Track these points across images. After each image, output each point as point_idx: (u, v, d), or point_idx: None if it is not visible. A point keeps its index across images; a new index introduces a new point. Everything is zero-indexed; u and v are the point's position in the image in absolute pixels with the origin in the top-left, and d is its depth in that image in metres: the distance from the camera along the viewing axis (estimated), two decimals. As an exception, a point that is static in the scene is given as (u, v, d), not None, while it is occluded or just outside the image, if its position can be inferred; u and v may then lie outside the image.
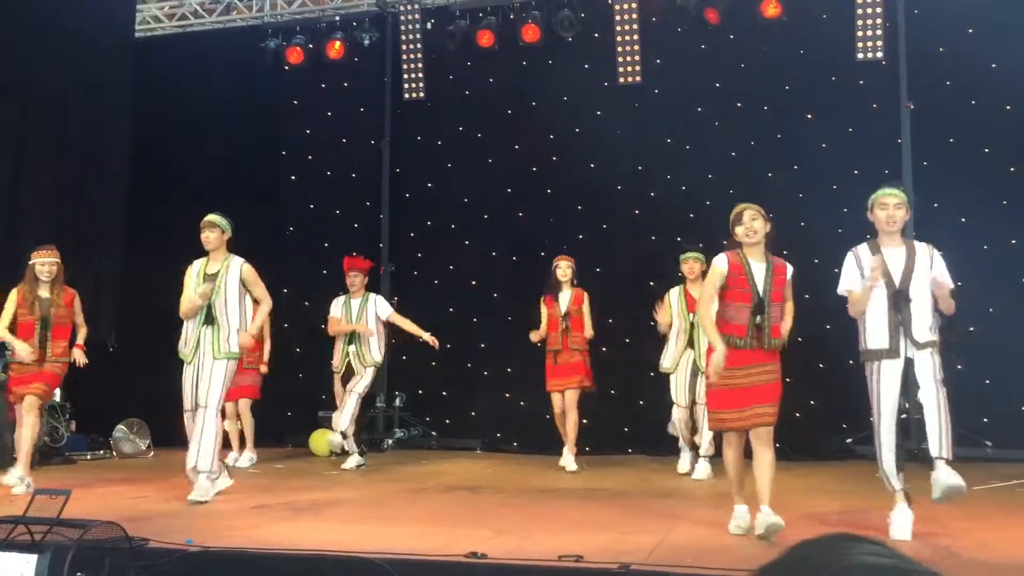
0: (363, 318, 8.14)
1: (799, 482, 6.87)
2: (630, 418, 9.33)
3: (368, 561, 3.96)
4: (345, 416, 7.91)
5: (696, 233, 9.29)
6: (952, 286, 4.83)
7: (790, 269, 5.00)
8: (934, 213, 8.84)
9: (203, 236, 6.16)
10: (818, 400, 8.85)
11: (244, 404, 8.28)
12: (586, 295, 8.04)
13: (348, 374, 8.13)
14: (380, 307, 8.26)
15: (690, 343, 7.53)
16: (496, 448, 9.46)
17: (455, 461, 8.62)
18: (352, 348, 8.14)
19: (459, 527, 4.96)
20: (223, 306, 6.07)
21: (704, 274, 7.01)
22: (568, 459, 7.79)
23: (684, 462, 7.65)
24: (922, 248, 4.88)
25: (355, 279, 8.26)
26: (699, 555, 4.17)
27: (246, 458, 8.18)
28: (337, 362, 8.23)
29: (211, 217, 6.20)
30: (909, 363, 4.76)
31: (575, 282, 8.08)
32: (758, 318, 4.85)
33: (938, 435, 4.61)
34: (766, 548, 4.47)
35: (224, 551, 4.22)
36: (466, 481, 7.17)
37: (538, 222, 9.84)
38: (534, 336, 8.05)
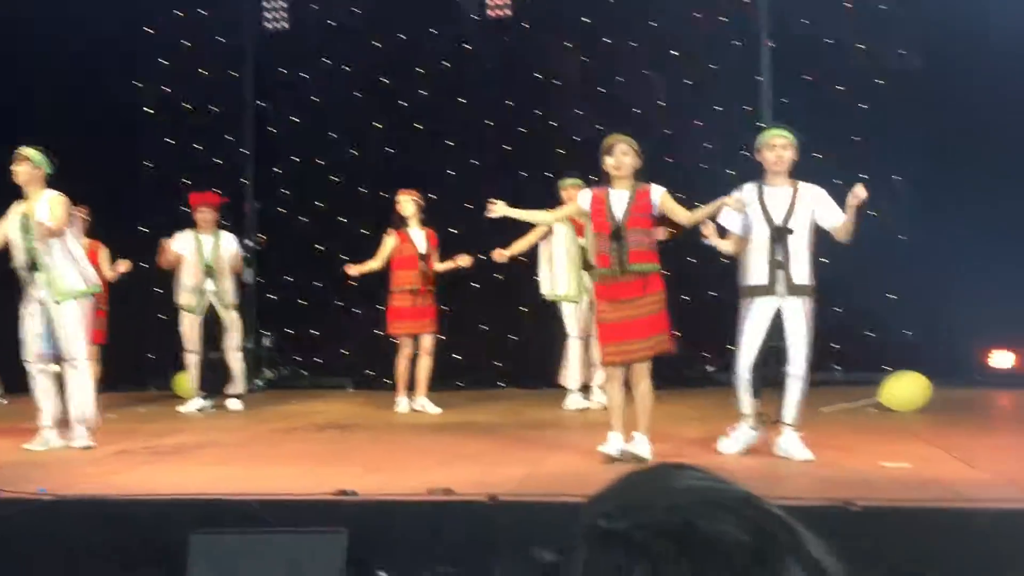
0: (217, 255, 7.87)
1: (664, 409, 7.02)
2: (502, 352, 9.42)
3: (235, 502, 3.89)
4: (240, 380, 7.87)
5: (566, 169, 9.36)
6: (837, 222, 4.99)
7: (657, 191, 5.06)
8: (791, 149, 9.16)
9: (11, 169, 5.71)
10: (682, 331, 9.10)
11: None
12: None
13: (211, 317, 7.87)
14: (233, 245, 8.05)
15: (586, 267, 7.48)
16: (368, 386, 9.39)
17: (326, 400, 8.54)
18: (211, 287, 7.86)
19: (329, 465, 4.93)
20: (43, 246, 5.64)
21: None
22: (427, 403, 7.56)
23: (575, 399, 7.45)
24: (807, 188, 5.03)
25: (208, 216, 7.94)
26: (567, 483, 4.26)
27: None
28: (193, 301, 7.90)
29: (21, 149, 5.74)
30: (779, 308, 4.95)
31: (423, 219, 7.80)
32: (614, 244, 4.94)
33: (793, 405, 4.97)
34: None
35: (79, 499, 4.07)
36: (337, 419, 7.11)
37: (408, 158, 9.67)
38: (353, 270, 7.76)
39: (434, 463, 4.97)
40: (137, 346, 9.37)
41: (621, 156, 4.99)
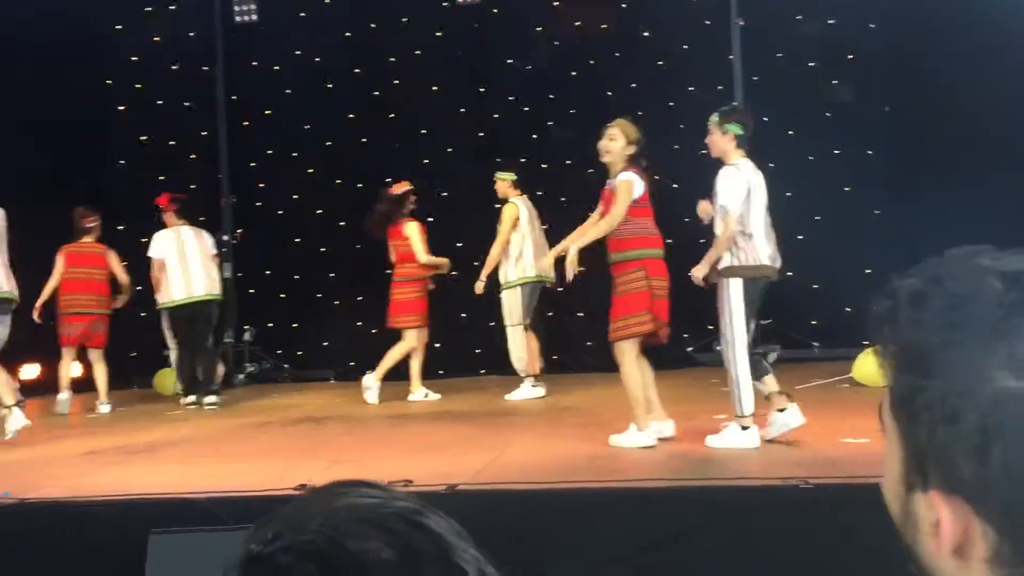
0: None
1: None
2: (480, 340, 9.42)
3: (191, 501, 3.91)
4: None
5: (539, 153, 9.37)
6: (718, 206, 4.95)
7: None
8: (763, 127, 9.11)
9: None
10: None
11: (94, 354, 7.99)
12: (408, 224, 7.65)
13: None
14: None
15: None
16: (350, 377, 9.39)
17: (306, 393, 8.56)
18: None
19: (296, 459, 4.95)
20: None
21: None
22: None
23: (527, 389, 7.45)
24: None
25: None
26: (526, 471, 4.30)
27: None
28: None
29: None
30: None
31: (413, 212, 7.77)
32: None
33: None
34: (588, 460, 4.64)
35: (41, 502, 4.09)
36: (313, 412, 7.13)
37: (382, 147, 9.68)
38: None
39: (400, 454, 4.99)
40: (121, 344, 9.38)
41: (604, 142, 5.12)
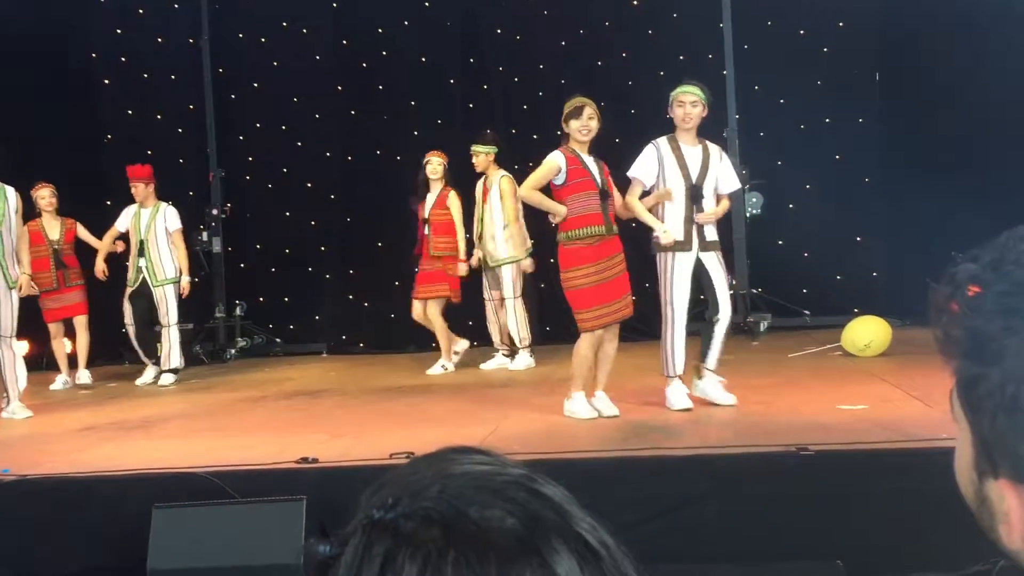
0: (152, 229, 7.69)
1: (631, 362, 7.12)
2: (474, 312, 9.42)
3: (194, 476, 3.91)
4: (174, 354, 7.66)
5: (531, 125, 9.32)
6: (735, 188, 5.27)
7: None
8: (755, 96, 9.14)
9: None
10: (652, 283, 9.14)
11: (78, 321, 7.96)
12: (453, 194, 7.56)
13: (143, 290, 7.70)
14: (169, 219, 7.70)
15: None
16: (342, 351, 9.43)
17: (299, 367, 8.55)
18: (142, 262, 7.68)
19: (294, 433, 4.96)
20: None
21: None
22: (437, 367, 7.53)
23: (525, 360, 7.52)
24: (714, 149, 5.15)
25: (137, 188, 7.71)
26: (527, 441, 4.32)
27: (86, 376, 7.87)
28: (131, 275, 7.76)
29: None
30: (699, 261, 5.02)
31: (447, 180, 7.63)
32: (603, 204, 5.02)
33: (717, 352, 5.08)
34: (589, 429, 4.67)
35: (42, 478, 4.09)
36: (307, 386, 7.13)
37: (372, 119, 9.61)
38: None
39: (399, 426, 5.00)
40: (112, 320, 9.32)
41: (588, 120, 5.03)
